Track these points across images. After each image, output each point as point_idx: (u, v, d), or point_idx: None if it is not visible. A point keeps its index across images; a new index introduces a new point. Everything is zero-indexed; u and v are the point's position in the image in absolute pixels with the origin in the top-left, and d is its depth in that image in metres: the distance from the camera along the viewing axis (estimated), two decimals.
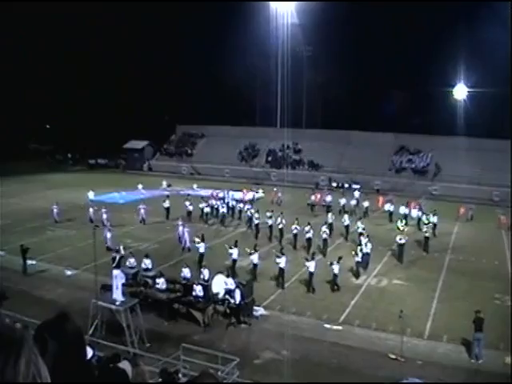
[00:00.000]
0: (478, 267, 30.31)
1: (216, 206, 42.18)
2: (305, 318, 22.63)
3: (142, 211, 40.12)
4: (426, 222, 36.89)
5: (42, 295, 24.59)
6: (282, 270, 26.08)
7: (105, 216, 37.07)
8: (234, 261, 27.80)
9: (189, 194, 45.44)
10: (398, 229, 35.32)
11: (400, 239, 31.48)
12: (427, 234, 34.25)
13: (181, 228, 33.68)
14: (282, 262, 25.94)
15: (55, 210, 39.48)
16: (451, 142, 60.52)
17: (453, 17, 56.62)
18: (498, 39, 50.01)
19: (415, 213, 40.06)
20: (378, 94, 64.12)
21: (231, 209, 42.81)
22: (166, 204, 41.68)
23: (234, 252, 27.88)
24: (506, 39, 48.14)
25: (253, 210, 38.55)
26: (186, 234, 32.88)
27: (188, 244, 32.44)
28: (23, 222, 38.22)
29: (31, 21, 69.07)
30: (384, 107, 62.67)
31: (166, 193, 48.33)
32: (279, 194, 48.36)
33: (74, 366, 1.79)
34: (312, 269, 25.47)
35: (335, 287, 25.84)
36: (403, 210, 40.62)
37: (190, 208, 40.74)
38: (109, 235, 31.84)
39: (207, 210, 41.13)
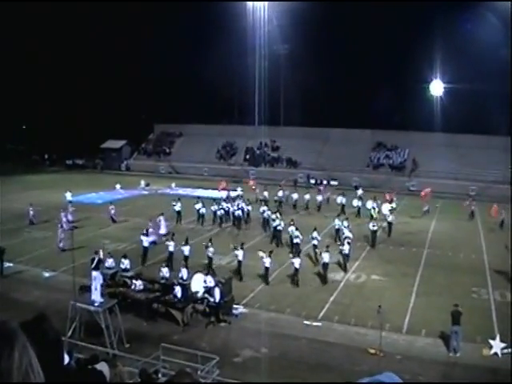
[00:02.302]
0: (456, 261, 30.74)
1: (227, 209, 39.80)
2: (284, 315, 22.72)
3: (111, 211, 39.53)
4: (390, 208, 38.69)
5: (19, 297, 24.25)
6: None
7: (68, 217, 36.58)
8: (171, 253, 28.25)
9: (199, 197, 42.65)
10: (372, 216, 37.64)
11: (373, 226, 33.56)
12: (390, 219, 36.18)
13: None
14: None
15: (31, 212, 38.92)
16: (428, 138, 61.18)
17: (428, 13, 56.98)
18: (474, 34, 50.64)
19: (370, 204, 40.46)
20: (354, 91, 64.31)
21: (242, 211, 39.58)
22: (177, 207, 39.34)
23: (171, 245, 28.50)
24: (480, 34, 48.82)
25: (269, 213, 36.97)
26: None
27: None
28: None
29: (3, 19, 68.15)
30: (361, 104, 62.96)
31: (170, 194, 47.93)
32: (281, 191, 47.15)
33: (51, 368, 1.79)
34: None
35: (266, 281, 26.27)
36: (356, 202, 42.26)
37: (203, 211, 38.66)
38: (62, 235, 31.45)
39: (220, 212, 38.83)
